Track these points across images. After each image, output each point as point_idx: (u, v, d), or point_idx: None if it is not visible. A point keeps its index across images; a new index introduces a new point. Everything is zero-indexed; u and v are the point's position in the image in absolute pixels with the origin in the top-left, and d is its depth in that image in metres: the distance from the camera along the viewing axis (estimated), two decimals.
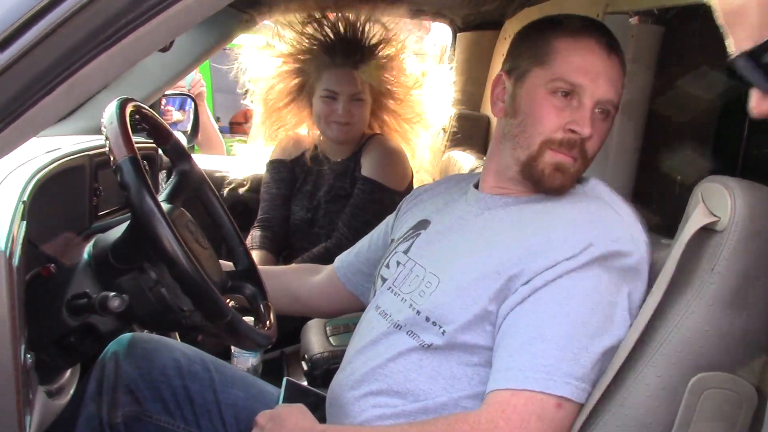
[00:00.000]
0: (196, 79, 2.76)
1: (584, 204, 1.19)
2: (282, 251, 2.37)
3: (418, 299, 1.22)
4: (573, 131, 1.18)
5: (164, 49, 1.68)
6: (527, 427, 1.04)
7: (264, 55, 2.30)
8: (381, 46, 2.22)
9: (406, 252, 1.33)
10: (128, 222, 1.19)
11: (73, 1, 0.82)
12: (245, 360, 1.92)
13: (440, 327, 1.16)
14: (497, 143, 1.31)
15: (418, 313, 1.20)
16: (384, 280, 1.33)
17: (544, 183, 1.22)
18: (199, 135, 2.89)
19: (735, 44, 0.70)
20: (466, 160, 2.28)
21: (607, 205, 1.18)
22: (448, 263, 1.23)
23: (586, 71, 1.18)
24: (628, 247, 1.12)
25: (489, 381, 1.10)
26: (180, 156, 1.40)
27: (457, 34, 2.48)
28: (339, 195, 2.30)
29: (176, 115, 3.15)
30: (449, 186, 1.45)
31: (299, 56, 2.25)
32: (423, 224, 1.36)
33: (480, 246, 1.21)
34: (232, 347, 1.89)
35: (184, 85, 2.76)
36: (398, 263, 1.32)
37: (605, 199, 1.19)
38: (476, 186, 1.34)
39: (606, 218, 1.15)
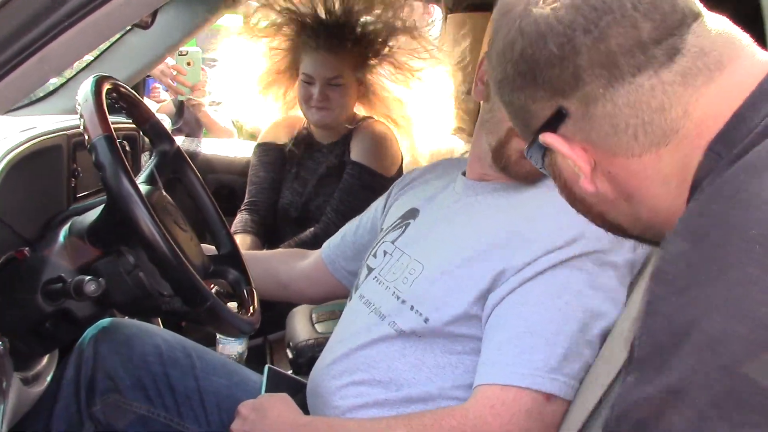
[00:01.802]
0: (199, 85, 2.62)
1: None
2: (269, 236, 2.34)
3: (401, 286, 1.19)
4: None
5: (145, 26, 1.63)
6: (516, 422, 1.02)
7: (248, 38, 2.26)
8: (371, 34, 2.18)
9: (393, 242, 1.30)
10: (104, 203, 1.15)
11: None
12: (230, 346, 1.88)
13: (422, 315, 1.14)
14: (478, 129, 1.29)
15: (402, 301, 1.17)
16: (370, 269, 1.30)
17: (510, 170, 1.20)
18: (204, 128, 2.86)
19: None
20: (457, 145, 2.25)
21: None
22: (433, 250, 1.20)
23: None
24: (614, 241, 1.09)
25: (477, 374, 1.08)
26: (160, 136, 1.36)
27: (448, 16, 2.43)
28: (328, 179, 2.26)
29: (165, 95, 3.11)
30: (439, 172, 1.42)
31: (282, 39, 2.21)
32: (412, 213, 1.33)
33: (467, 233, 1.18)
34: (217, 333, 1.86)
35: (185, 88, 2.62)
36: (385, 253, 1.29)
37: None
38: (464, 173, 1.31)
39: None
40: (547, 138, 0.72)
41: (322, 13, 2.14)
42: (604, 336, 1.07)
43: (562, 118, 0.70)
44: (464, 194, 1.27)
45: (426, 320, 1.13)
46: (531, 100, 0.71)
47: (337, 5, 2.13)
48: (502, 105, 0.77)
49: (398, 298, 1.18)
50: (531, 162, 1.18)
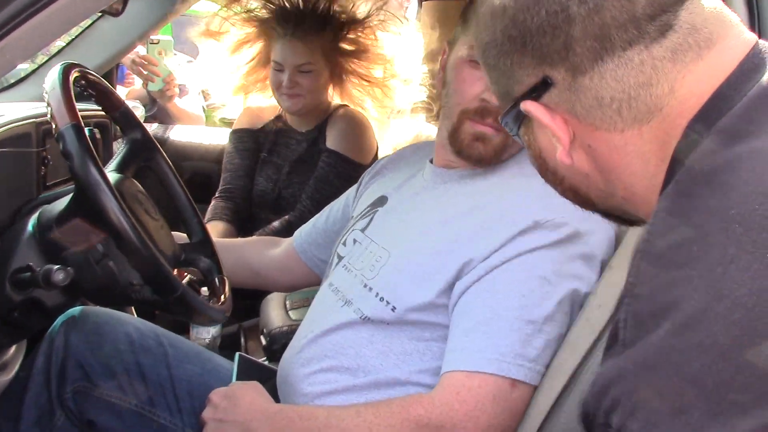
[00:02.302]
0: (168, 79, 2.57)
1: (539, 178, 1.16)
2: (244, 223, 2.33)
3: (368, 273, 1.20)
4: (484, 99, 1.17)
5: (116, 14, 1.62)
6: (483, 408, 1.03)
7: (221, 25, 2.24)
8: (339, 21, 2.17)
9: (363, 230, 1.30)
10: (73, 192, 1.14)
11: None
12: (204, 333, 1.89)
13: (389, 304, 1.15)
14: (441, 115, 1.29)
15: (369, 288, 1.18)
16: (340, 257, 1.31)
17: (464, 153, 1.21)
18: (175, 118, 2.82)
19: None
20: (433, 132, 2.25)
21: None
22: (400, 238, 1.21)
23: None
24: (582, 225, 1.10)
25: (444, 361, 1.09)
26: (130, 124, 1.35)
27: (423, 3, 2.43)
28: (303, 167, 2.26)
29: (139, 82, 3.07)
30: (408, 159, 1.42)
31: (252, 26, 2.20)
32: (381, 201, 1.34)
33: (432, 221, 1.19)
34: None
35: (158, 78, 2.56)
36: (355, 241, 1.30)
37: None
38: (432, 160, 1.32)
39: (555, 193, 1.12)
40: (529, 106, 0.71)
41: (291, 1, 2.13)
42: (570, 322, 1.08)
43: (546, 87, 0.69)
44: (432, 182, 1.28)
45: (393, 309, 1.14)
46: (517, 66, 0.71)
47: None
48: (485, 69, 0.76)
49: (365, 285, 1.19)
50: (482, 146, 1.20)
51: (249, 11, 2.19)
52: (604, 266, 1.13)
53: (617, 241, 1.15)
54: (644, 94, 0.66)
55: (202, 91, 3.15)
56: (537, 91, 0.70)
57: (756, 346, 0.51)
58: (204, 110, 3.08)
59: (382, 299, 1.15)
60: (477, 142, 1.20)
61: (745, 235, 0.54)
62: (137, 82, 3.12)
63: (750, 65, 0.65)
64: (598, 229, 1.12)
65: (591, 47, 0.66)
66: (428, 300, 1.12)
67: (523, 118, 0.75)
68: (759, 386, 0.50)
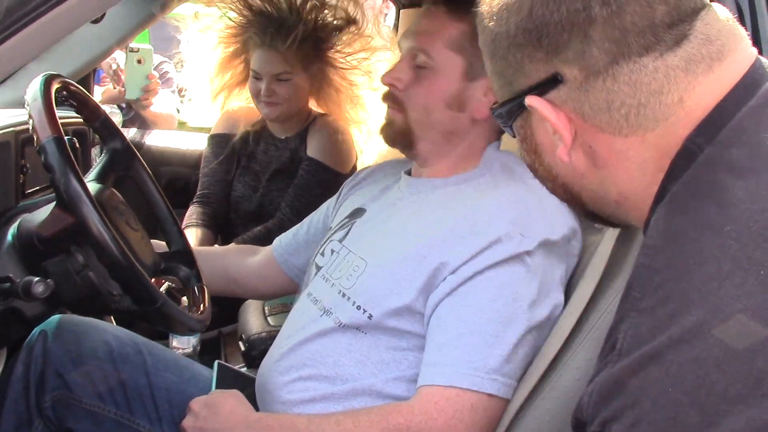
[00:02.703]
0: (147, 88, 2.54)
1: (510, 188, 1.18)
2: (222, 229, 2.34)
3: (346, 283, 1.22)
4: (386, 83, 1.25)
5: (96, 21, 1.62)
6: (461, 417, 1.06)
7: (201, 31, 2.25)
8: (318, 32, 2.19)
9: (341, 240, 1.32)
10: (54, 204, 1.15)
11: None
12: (184, 341, 1.89)
13: (365, 311, 1.16)
14: None
15: (347, 297, 1.20)
16: (318, 267, 1.32)
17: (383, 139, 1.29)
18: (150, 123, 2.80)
19: None
20: None
21: (532, 191, 1.15)
22: (376, 247, 1.23)
23: (406, 29, 1.26)
24: (552, 235, 1.13)
25: (420, 374, 1.11)
26: (110, 133, 1.36)
27: (401, 11, 2.45)
28: (282, 174, 2.27)
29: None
30: (387, 171, 1.44)
31: (233, 34, 2.21)
32: (358, 212, 1.36)
33: (407, 230, 1.21)
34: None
35: (135, 89, 2.52)
36: (333, 251, 1.32)
37: (530, 184, 1.16)
38: (410, 172, 1.34)
39: (530, 204, 1.15)
40: (533, 101, 0.70)
41: (269, 10, 2.14)
42: (544, 335, 1.10)
43: (555, 84, 0.69)
44: (407, 192, 1.30)
45: (370, 316, 1.16)
46: (528, 59, 0.70)
47: (284, 3, 2.14)
48: (488, 58, 0.75)
49: (343, 294, 1.21)
50: (389, 129, 1.28)
51: (229, 19, 2.19)
52: (573, 275, 1.16)
53: (585, 250, 1.17)
54: (654, 102, 0.66)
55: (178, 89, 3.13)
56: (544, 87, 0.70)
57: (749, 360, 0.53)
58: (178, 111, 3.06)
59: (359, 307, 1.17)
60: (387, 126, 1.26)
61: (740, 252, 0.56)
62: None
63: (750, 80, 0.66)
64: (570, 239, 1.15)
65: (608, 50, 0.66)
66: (403, 304, 1.14)
67: (521, 111, 0.75)
68: (750, 396, 0.52)
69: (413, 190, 1.29)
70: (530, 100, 0.71)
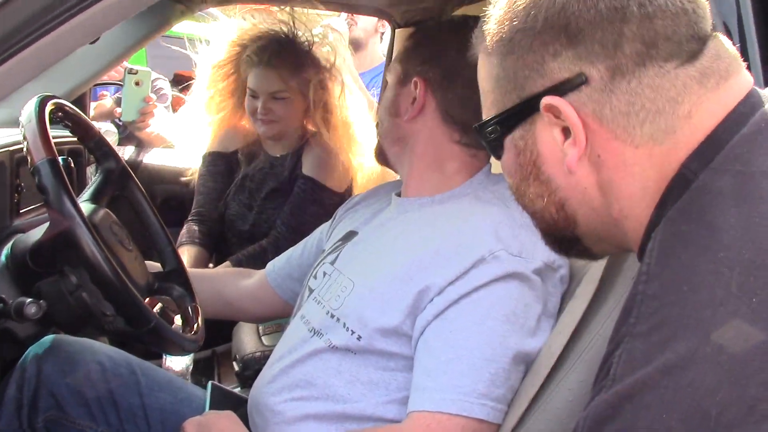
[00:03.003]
0: (143, 111, 2.54)
1: (495, 206, 1.19)
2: (216, 247, 2.33)
3: (334, 303, 1.22)
4: None
5: (92, 42, 1.62)
6: None
7: (204, 49, 2.27)
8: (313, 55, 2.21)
9: (332, 263, 1.32)
10: (48, 224, 1.15)
11: None
12: (176, 360, 1.88)
13: (353, 332, 1.16)
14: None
15: (336, 318, 1.20)
16: (311, 290, 1.33)
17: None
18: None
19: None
20: None
21: (512, 211, 1.15)
22: (364, 268, 1.23)
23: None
24: (538, 255, 1.12)
25: (409, 399, 1.10)
26: (105, 154, 1.36)
27: (396, 30, 2.47)
28: (278, 192, 2.27)
29: (109, 102, 3.05)
30: (380, 195, 1.45)
31: (232, 53, 2.23)
32: (350, 235, 1.36)
33: (394, 249, 1.21)
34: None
35: (131, 112, 2.52)
36: (324, 273, 1.32)
37: (512, 206, 1.18)
38: (400, 193, 1.35)
39: (515, 222, 1.14)
40: (554, 100, 0.69)
41: (267, 32, 2.16)
42: (532, 357, 1.10)
43: (577, 85, 0.68)
44: (396, 212, 1.31)
45: (359, 338, 1.16)
46: (552, 57, 0.69)
47: (281, 26, 2.16)
48: (493, 62, 0.74)
49: (332, 315, 1.21)
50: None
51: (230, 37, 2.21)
52: (563, 293, 1.16)
53: (576, 271, 1.17)
54: (669, 111, 0.67)
55: (171, 104, 3.13)
56: (565, 88, 0.69)
57: (742, 386, 0.53)
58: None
59: (348, 329, 1.17)
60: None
61: (733, 279, 0.56)
62: (108, 101, 3.10)
63: (745, 107, 0.68)
64: (556, 257, 1.14)
65: (638, 50, 0.67)
66: (392, 326, 1.13)
67: (524, 120, 0.74)
68: (744, 422, 0.53)
69: (401, 209, 1.30)
70: (549, 100, 0.70)
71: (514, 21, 0.72)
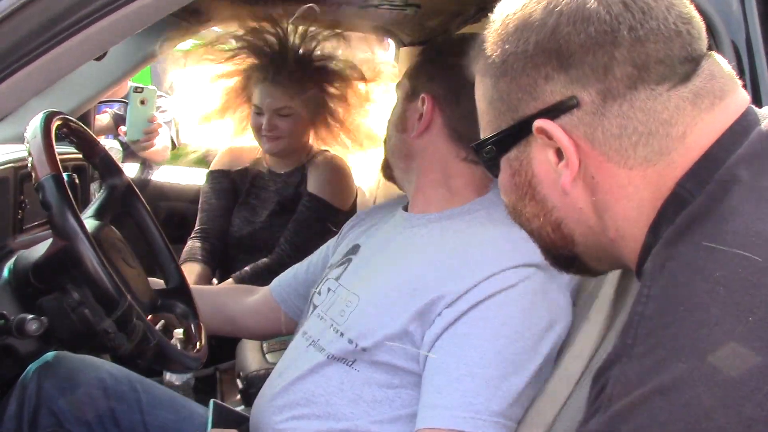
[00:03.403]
0: (148, 130, 2.54)
1: (509, 228, 1.17)
2: (220, 264, 2.33)
3: (339, 319, 1.21)
4: None
5: (98, 58, 1.63)
6: None
7: (204, 65, 2.27)
8: (320, 62, 2.21)
9: (337, 279, 1.31)
10: (50, 240, 1.14)
11: None
12: (177, 377, 1.87)
13: (358, 346, 1.15)
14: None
15: (340, 333, 1.18)
16: (315, 306, 1.32)
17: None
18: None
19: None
20: None
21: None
22: (368, 282, 1.22)
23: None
24: (550, 269, 1.11)
25: (418, 416, 1.08)
26: (109, 170, 1.36)
27: (401, 48, 2.48)
28: (282, 209, 2.27)
29: (106, 118, 3.04)
30: (385, 210, 1.44)
31: (235, 70, 2.24)
32: (354, 250, 1.36)
33: (399, 264, 1.20)
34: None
35: (136, 131, 2.52)
36: (329, 290, 1.31)
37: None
38: (405, 208, 1.34)
39: (526, 238, 1.14)
40: (545, 124, 0.70)
41: (271, 49, 2.17)
42: (546, 373, 1.08)
43: (569, 108, 0.69)
44: (402, 227, 1.30)
45: (363, 349, 1.14)
46: (544, 81, 0.69)
47: (290, 45, 2.17)
48: (488, 84, 0.75)
49: (336, 330, 1.19)
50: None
51: (231, 50, 2.22)
52: (576, 316, 1.14)
53: (589, 294, 1.16)
54: (662, 133, 0.67)
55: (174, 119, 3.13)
56: (557, 111, 0.69)
57: (738, 407, 0.53)
58: (173, 141, 3.05)
59: (350, 341, 1.16)
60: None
61: (729, 298, 0.56)
62: (105, 116, 3.09)
63: (741, 126, 0.68)
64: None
65: (629, 74, 0.67)
66: (396, 339, 1.12)
67: (519, 140, 0.74)
68: None
69: (407, 224, 1.29)
70: (541, 123, 0.70)
71: (506, 44, 0.72)
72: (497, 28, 0.74)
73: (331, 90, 2.23)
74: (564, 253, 0.78)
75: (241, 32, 2.17)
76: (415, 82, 1.29)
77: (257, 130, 2.18)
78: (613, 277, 1.06)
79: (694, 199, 0.65)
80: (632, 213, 0.70)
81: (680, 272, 0.60)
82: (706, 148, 0.67)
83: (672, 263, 0.61)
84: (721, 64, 0.71)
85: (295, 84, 2.14)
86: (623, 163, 0.68)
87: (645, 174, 0.68)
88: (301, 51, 2.17)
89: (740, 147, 0.66)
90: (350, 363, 1.16)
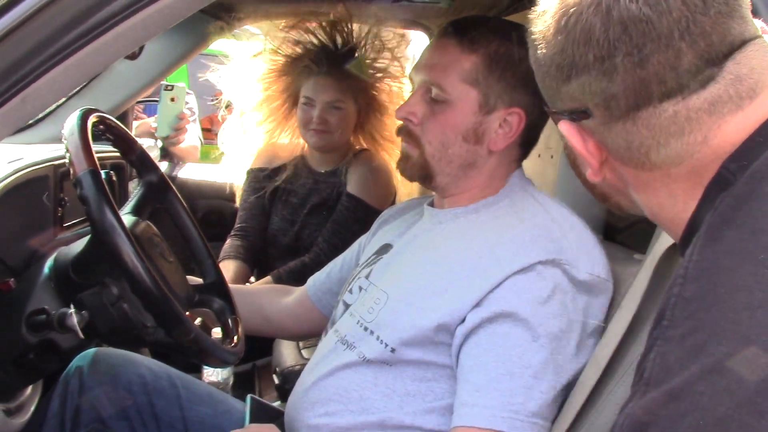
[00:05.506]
0: (177, 126, 2.54)
1: (533, 216, 1.16)
2: (258, 262, 2.34)
3: (368, 316, 1.20)
4: (404, 117, 1.23)
5: (133, 57, 1.65)
6: None
7: (251, 63, 2.28)
8: (371, 54, 2.22)
9: (367, 277, 1.30)
10: (89, 236, 1.16)
11: (19, 11, 0.79)
12: (216, 373, 1.89)
13: (387, 345, 1.14)
14: None
15: (369, 331, 1.18)
16: (347, 305, 1.30)
17: (400, 174, 1.29)
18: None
19: None
20: None
21: (554, 221, 1.14)
22: (398, 280, 1.21)
23: (416, 63, 1.24)
24: (582, 266, 1.09)
25: (455, 413, 1.07)
26: (146, 167, 1.37)
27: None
28: (320, 207, 2.27)
29: (152, 120, 3.09)
30: (413, 207, 1.42)
31: (285, 63, 2.24)
32: (385, 248, 1.34)
33: (429, 260, 1.19)
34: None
35: (165, 127, 2.58)
36: (360, 288, 1.30)
37: (553, 213, 1.16)
38: (431, 203, 1.33)
39: (552, 233, 1.12)
40: (564, 127, 0.74)
41: (326, 42, 2.18)
42: (580, 371, 1.07)
43: (585, 115, 0.72)
44: (429, 223, 1.28)
45: (393, 350, 1.13)
46: (562, 86, 0.73)
47: (340, 39, 2.18)
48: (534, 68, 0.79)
49: (365, 328, 1.19)
50: (404, 164, 1.26)
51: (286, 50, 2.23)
52: (608, 303, 1.12)
53: (623, 281, 1.14)
54: (675, 143, 0.67)
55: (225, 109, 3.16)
56: (576, 115, 0.73)
57: None
58: (200, 140, 3.07)
59: (381, 341, 1.15)
60: (401, 161, 1.26)
61: None
62: (151, 119, 3.14)
63: None
64: (600, 268, 1.11)
65: (629, 97, 0.67)
66: (427, 335, 1.11)
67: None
68: None
69: (435, 221, 1.27)
70: (561, 125, 0.74)
71: (532, 48, 0.77)
72: (533, 31, 0.76)
73: (379, 86, 2.23)
74: (624, 213, 0.82)
75: (298, 28, 2.18)
76: (488, 90, 1.18)
77: (306, 123, 2.18)
78: (650, 264, 1.04)
79: (737, 180, 0.64)
80: (665, 201, 0.71)
81: (723, 255, 0.59)
82: (741, 140, 0.66)
83: (715, 246, 0.61)
84: (757, 56, 0.67)
85: (348, 78, 2.14)
86: (640, 167, 0.70)
87: (668, 173, 0.69)
88: (351, 50, 2.18)
89: None
90: (382, 362, 1.15)
